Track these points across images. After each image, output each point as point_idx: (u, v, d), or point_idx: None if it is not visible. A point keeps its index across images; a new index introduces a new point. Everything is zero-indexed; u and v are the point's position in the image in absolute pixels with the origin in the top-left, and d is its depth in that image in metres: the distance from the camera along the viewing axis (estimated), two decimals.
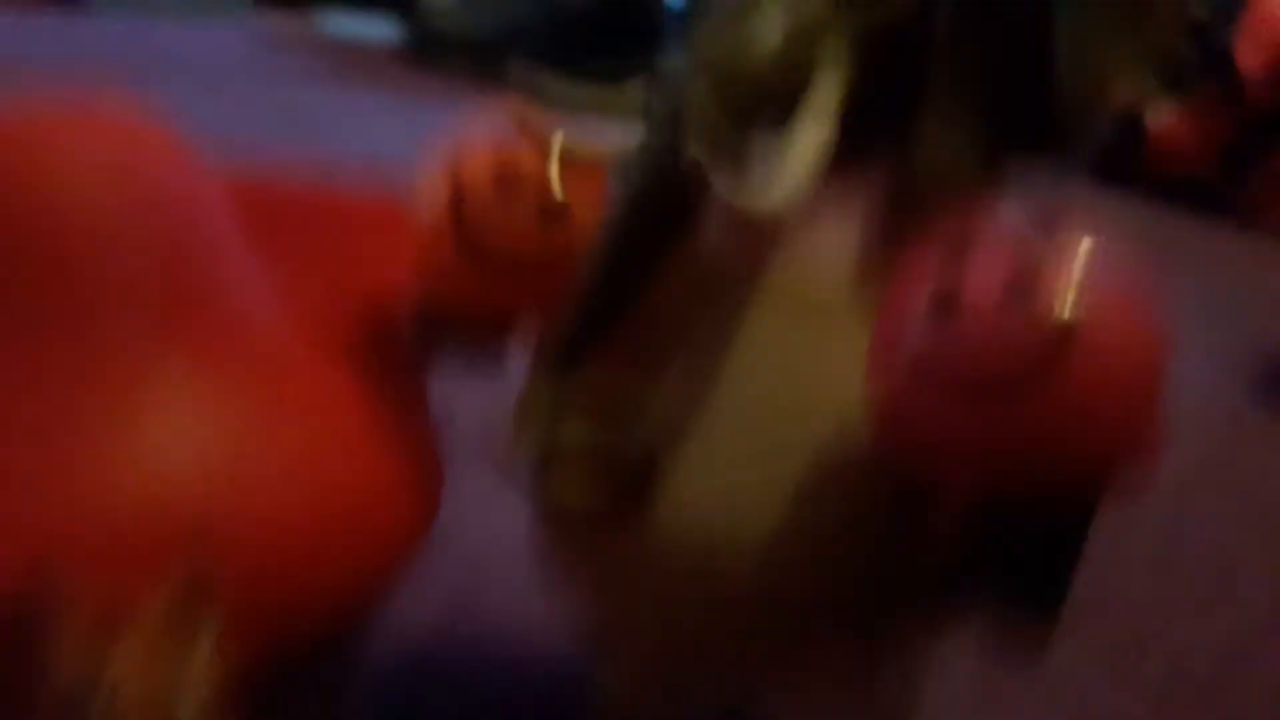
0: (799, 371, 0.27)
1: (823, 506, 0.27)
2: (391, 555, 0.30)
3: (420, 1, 1.43)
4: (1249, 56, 1.16)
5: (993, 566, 0.25)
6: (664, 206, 0.27)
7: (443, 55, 1.38)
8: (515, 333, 0.31)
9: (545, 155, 0.29)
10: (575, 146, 0.29)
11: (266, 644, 0.27)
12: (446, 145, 0.30)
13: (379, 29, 1.60)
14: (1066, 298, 0.22)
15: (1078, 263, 0.23)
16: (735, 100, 0.26)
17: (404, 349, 0.33)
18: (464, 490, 0.49)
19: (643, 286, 0.28)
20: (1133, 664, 0.46)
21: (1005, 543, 0.25)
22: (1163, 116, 1.19)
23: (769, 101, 0.26)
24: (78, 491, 0.26)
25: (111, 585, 0.24)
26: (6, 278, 0.27)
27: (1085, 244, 0.24)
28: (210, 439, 0.27)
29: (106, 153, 0.28)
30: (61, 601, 0.24)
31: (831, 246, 0.28)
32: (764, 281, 0.28)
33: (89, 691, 0.23)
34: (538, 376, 0.28)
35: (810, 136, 0.27)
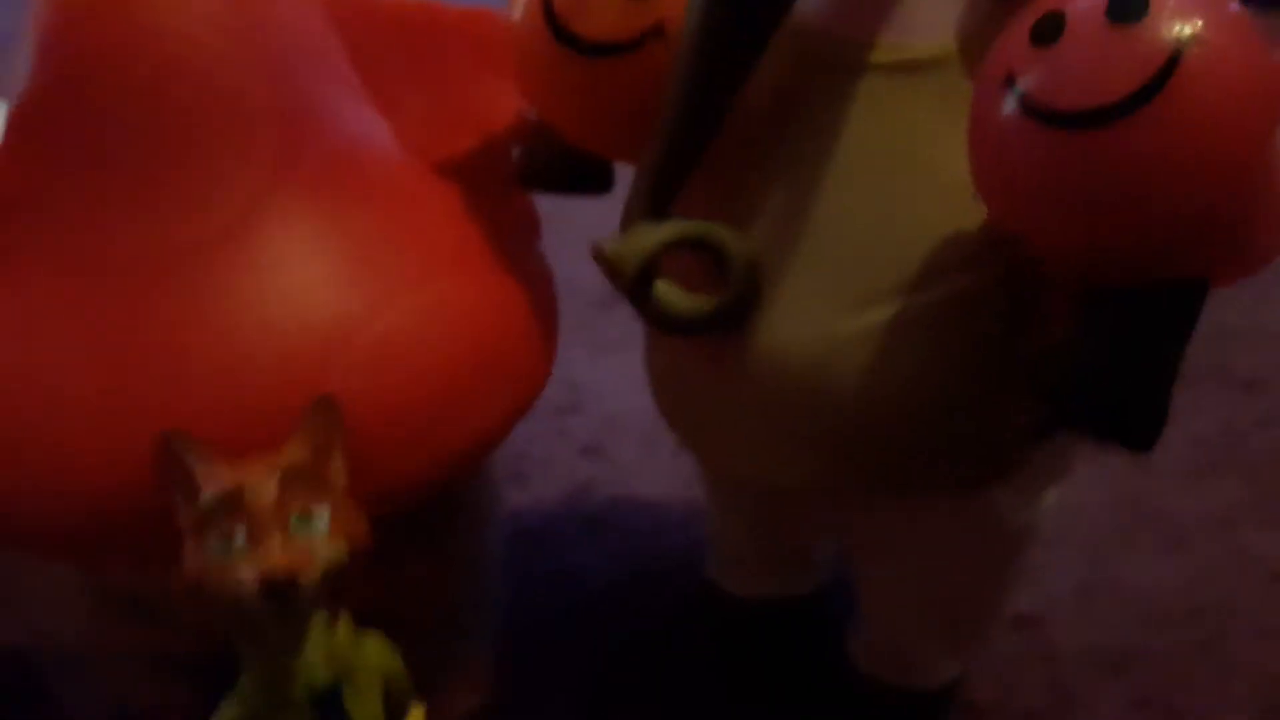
0: (910, 139, 0.25)
1: (936, 298, 0.25)
2: (516, 392, 0.29)
3: None
4: None
5: (1091, 387, 0.23)
6: None
7: None
8: (619, 145, 0.29)
9: None
10: None
11: (390, 489, 0.26)
12: None
13: None
14: (1175, 20, 0.20)
15: None
16: None
17: (510, 171, 0.31)
18: (593, 342, 0.48)
19: (741, 70, 0.25)
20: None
21: (1107, 349, 0.23)
22: None
23: None
24: (200, 340, 0.24)
25: (242, 432, 0.24)
26: (106, 119, 0.25)
27: None
28: (330, 279, 0.26)
29: None
30: (194, 445, 0.23)
31: (940, 5, 0.26)
32: (863, 53, 0.26)
33: (228, 521, 0.23)
34: (638, 186, 0.26)
35: None
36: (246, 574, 0.22)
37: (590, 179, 0.31)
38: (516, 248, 0.30)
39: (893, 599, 0.30)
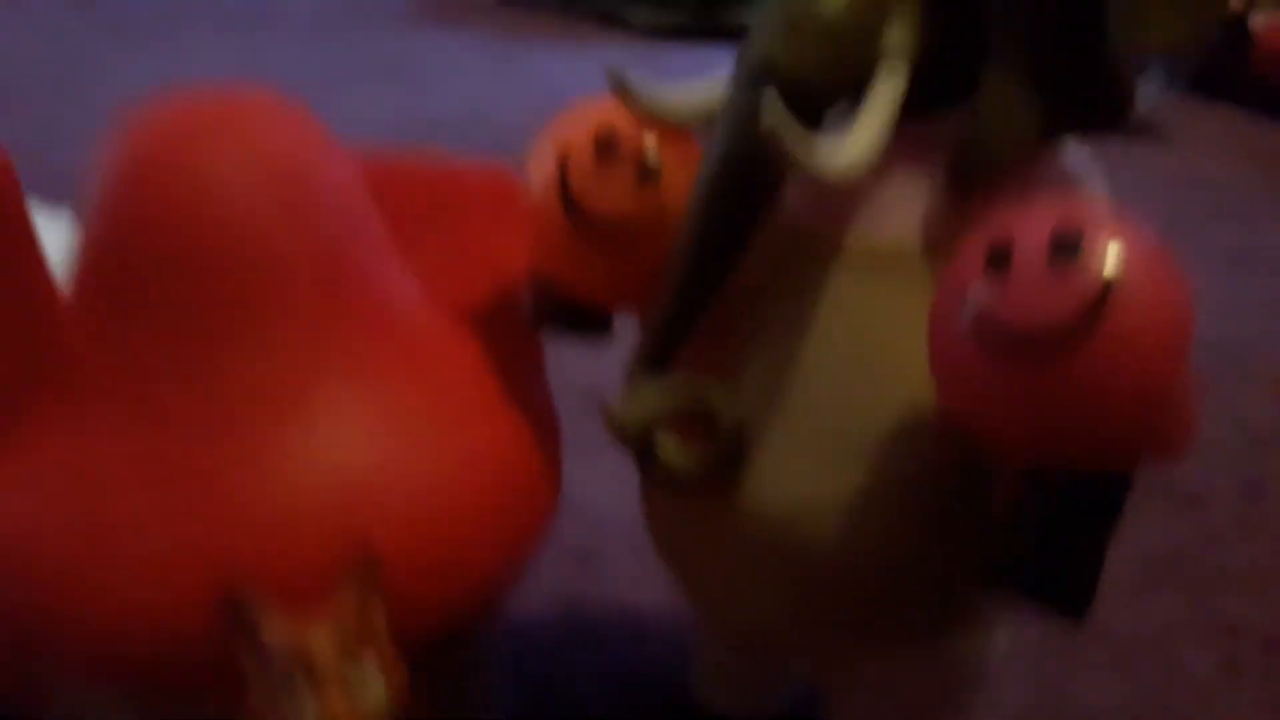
0: (875, 328, 0.29)
1: (900, 471, 0.28)
2: (534, 525, 0.31)
3: None
4: None
5: (1028, 561, 0.26)
6: (751, 171, 0.27)
7: None
8: (622, 300, 0.32)
9: (640, 121, 0.30)
10: (669, 109, 0.30)
11: (426, 623, 0.29)
12: (552, 118, 0.31)
13: None
14: (1105, 261, 0.24)
15: (1117, 221, 0.24)
16: (810, 59, 0.27)
17: (523, 316, 0.34)
18: (584, 451, 0.50)
19: (735, 252, 0.28)
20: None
21: (1044, 525, 0.26)
22: (1268, 19, 1.15)
23: (843, 60, 0.27)
24: (257, 494, 0.27)
25: (295, 581, 0.27)
26: (169, 278, 0.28)
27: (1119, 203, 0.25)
28: (371, 432, 0.28)
29: (259, 148, 0.29)
30: (257, 598, 0.26)
31: (903, 200, 0.29)
32: (839, 240, 0.29)
33: (292, 671, 0.26)
34: (641, 348, 0.30)
35: (883, 97, 0.27)
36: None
37: (592, 324, 0.34)
38: (529, 385, 0.34)
39: None
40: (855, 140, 0.27)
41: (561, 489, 0.33)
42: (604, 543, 0.48)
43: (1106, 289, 0.23)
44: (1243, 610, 0.46)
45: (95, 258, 0.29)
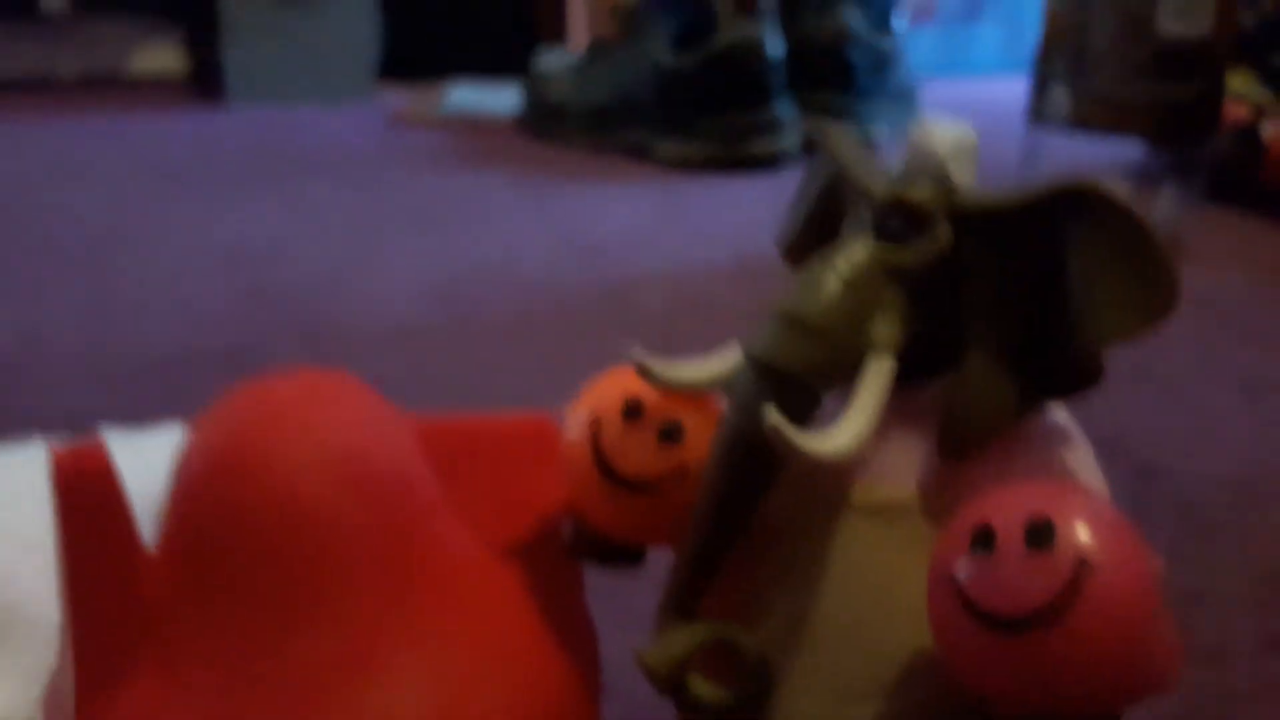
0: (882, 574, 0.32)
1: (906, 706, 0.31)
2: None
3: (535, 71, 1.49)
4: None
5: None
6: (758, 444, 0.31)
7: (560, 124, 1.44)
8: (650, 541, 0.36)
9: (661, 390, 0.34)
10: (684, 382, 0.33)
11: None
12: (587, 384, 0.35)
13: (502, 99, 1.67)
14: (1077, 547, 0.27)
15: (1084, 501, 0.28)
16: (802, 355, 0.31)
17: (563, 547, 0.37)
18: (617, 626, 0.53)
19: (750, 510, 0.32)
20: None
21: None
22: (1279, 127, 1.18)
23: (833, 355, 0.31)
24: None
25: None
26: (245, 558, 0.32)
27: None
28: (430, 690, 0.32)
29: (322, 432, 0.33)
30: None
31: (900, 458, 0.32)
32: (845, 493, 0.32)
33: None
34: (669, 593, 0.33)
35: (872, 387, 0.31)
36: None
37: (624, 558, 0.37)
38: (570, 609, 0.37)
39: None
40: (847, 429, 0.30)
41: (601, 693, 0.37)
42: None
43: (1079, 570, 0.26)
44: None
45: (179, 531, 0.33)
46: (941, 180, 0.31)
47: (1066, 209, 0.30)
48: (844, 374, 0.31)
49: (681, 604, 0.33)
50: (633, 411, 0.34)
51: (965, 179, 0.32)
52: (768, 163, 1.29)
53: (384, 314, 0.93)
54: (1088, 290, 0.30)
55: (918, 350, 0.32)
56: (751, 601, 0.33)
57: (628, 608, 0.55)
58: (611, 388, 0.35)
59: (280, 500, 0.32)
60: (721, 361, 0.33)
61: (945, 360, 0.32)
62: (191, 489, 0.33)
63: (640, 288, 0.98)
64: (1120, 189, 0.30)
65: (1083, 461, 0.32)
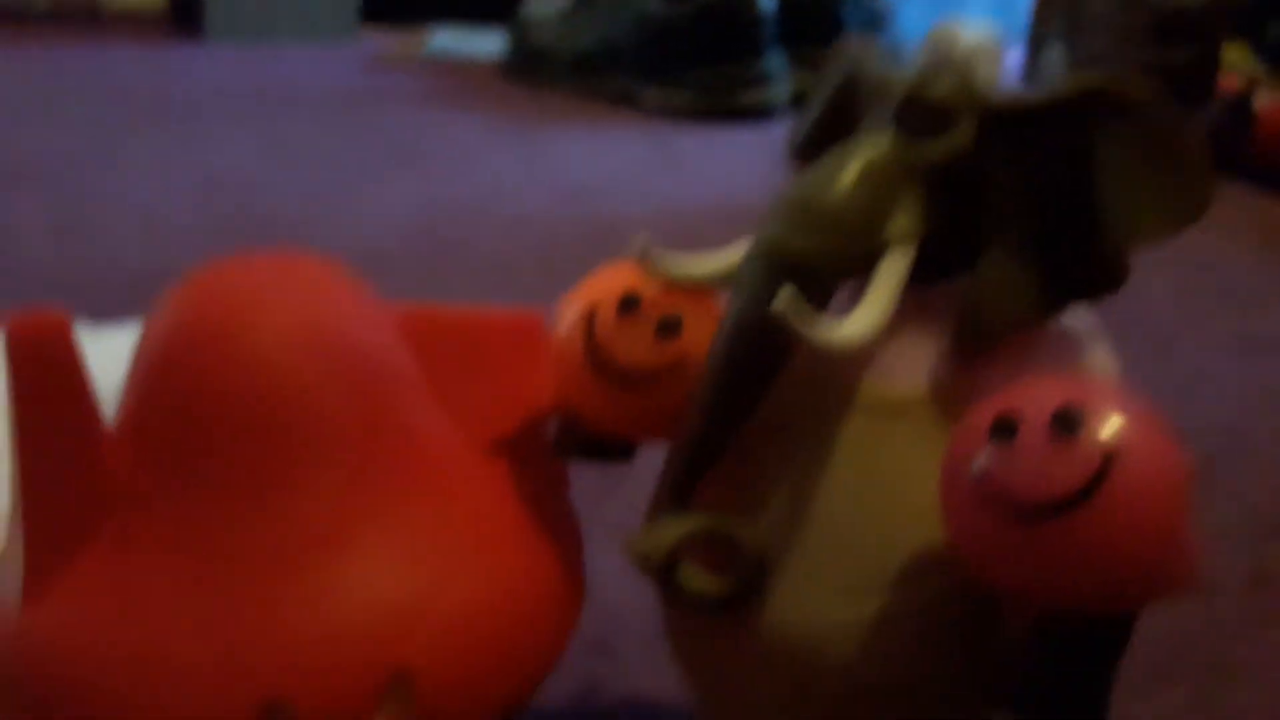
0: (887, 470, 0.30)
1: (912, 601, 0.30)
2: (559, 637, 0.34)
3: (520, 17, 1.47)
4: None
5: (1036, 693, 0.28)
6: (763, 336, 0.29)
7: (543, 70, 1.41)
8: (642, 436, 0.34)
9: (661, 280, 0.32)
10: (686, 275, 0.32)
11: None
12: (582, 278, 0.33)
13: (486, 44, 1.65)
14: (1105, 432, 0.25)
15: (1115, 393, 0.26)
16: (816, 243, 0.29)
17: (548, 449, 0.36)
18: (599, 540, 0.52)
19: (751, 402, 0.30)
20: None
21: (1052, 659, 0.28)
22: (1271, 99, 1.18)
23: (848, 244, 0.29)
24: (299, 622, 0.29)
25: (335, 703, 0.29)
26: (218, 432, 0.30)
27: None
28: (406, 565, 0.31)
29: (303, 312, 0.31)
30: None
31: (910, 356, 0.31)
32: (852, 389, 0.31)
33: None
34: (664, 484, 0.31)
35: (888, 279, 0.29)
36: None
37: (613, 454, 0.36)
38: (554, 507, 0.36)
39: None
40: (859, 319, 0.29)
41: (584, 594, 0.35)
42: (619, 633, 0.49)
43: (1107, 461, 0.25)
44: (1252, 701, 0.46)
45: (144, 406, 0.31)
46: (964, 77, 0.30)
47: (1095, 108, 0.29)
48: (856, 266, 0.29)
49: (676, 494, 0.31)
50: (630, 304, 0.32)
51: (988, 79, 0.30)
52: (756, 114, 1.28)
53: (363, 246, 0.91)
54: (1115, 191, 0.28)
55: (934, 249, 0.30)
56: (748, 495, 0.32)
57: (603, 522, 0.54)
58: (608, 281, 0.33)
59: (252, 372, 0.30)
60: (726, 256, 0.32)
61: (962, 261, 0.30)
62: (157, 361, 0.31)
63: (626, 229, 0.96)
64: (1152, 86, 0.28)
65: (1104, 365, 0.31)
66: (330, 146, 1.19)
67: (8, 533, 0.32)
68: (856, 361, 0.31)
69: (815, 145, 0.34)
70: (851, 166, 0.29)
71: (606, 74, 1.35)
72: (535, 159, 1.16)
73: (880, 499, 0.30)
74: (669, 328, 0.32)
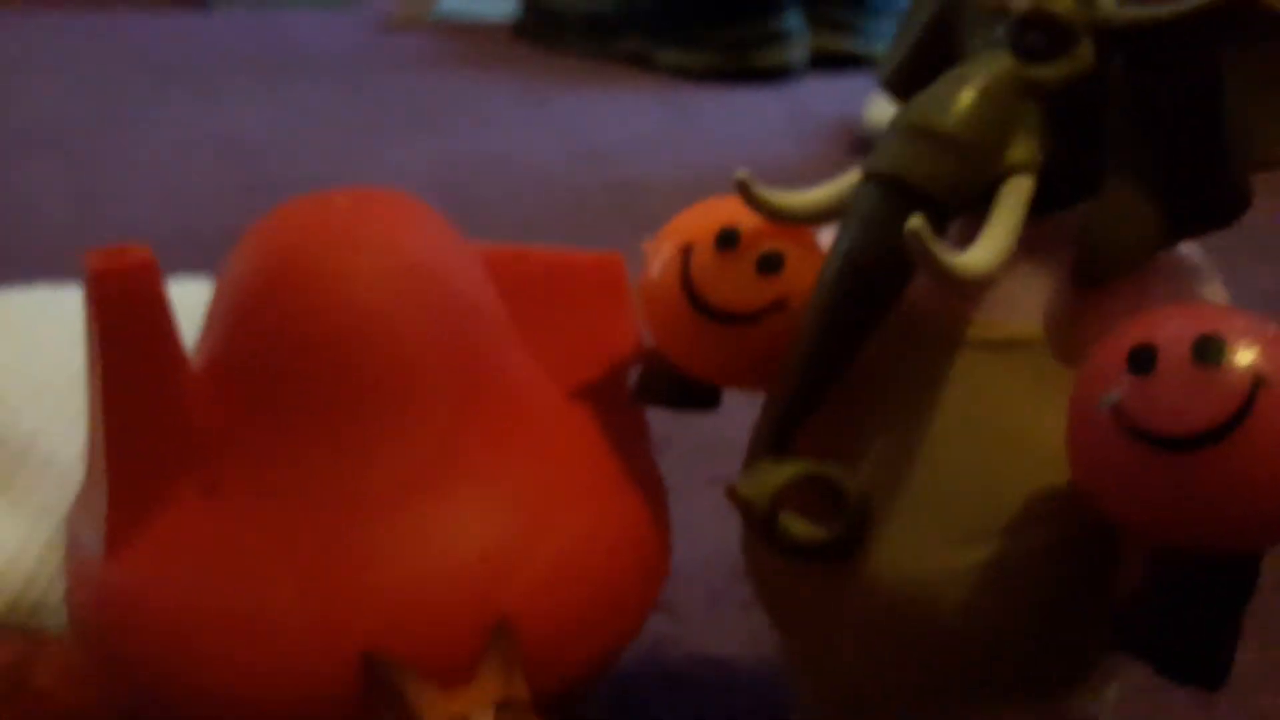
0: (999, 410, 0.29)
1: (1025, 545, 0.29)
2: (652, 586, 0.33)
3: None
4: None
5: (1160, 635, 0.27)
6: (876, 270, 0.28)
7: (557, 31, 1.40)
8: (734, 380, 0.33)
9: (763, 214, 0.31)
10: (790, 210, 0.31)
11: (558, 687, 0.30)
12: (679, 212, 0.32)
13: (496, 4, 1.62)
14: (1249, 363, 0.24)
15: (1254, 320, 0.25)
16: (933, 170, 0.28)
17: (629, 393, 0.35)
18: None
19: (859, 343, 0.29)
20: None
21: (1176, 599, 0.27)
22: None
23: (967, 171, 0.28)
24: (397, 567, 0.28)
25: (437, 652, 0.28)
26: (310, 371, 0.29)
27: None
28: (505, 509, 0.30)
29: (393, 247, 0.30)
30: (403, 667, 0.27)
31: (1026, 291, 0.30)
32: (963, 326, 0.30)
33: None
34: (764, 429, 0.30)
35: (1011, 207, 0.28)
36: None
37: (699, 400, 0.34)
38: (639, 457, 0.35)
39: None
40: (986, 248, 0.27)
41: (671, 547, 0.34)
42: (683, 594, 0.49)
43: (1254, 389, 0.24)
44: None
45: (229, 348, 0.30)
46: None
47: (1224, 24, 0.27)
48: (976, 193, 0.28)
49: (777, 439, 0.30)
50: (728, 239, 0.31)
51: None
52: (774, 75, 1.26)
53: None
54: (1244, 111, 0.27)
55: (1053, 176, 0.29)
56: (851, 441, 0.31)
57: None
58: (702, 217, 0.32)
59: (346, 312, 0.29)
60: (833, 187, 0.31)
61: (1080, 189, 0.29)
62: (243, 301, 0.30)
63: (647, 191, 0.95)
64: None
65: (1220, 297, 0.30)
66: (343, 110, 1.17)
67: (85, 482, 0.31)
68: (965, 298, 0.30)
69: (909, 74, 0.33)
70: (970, 90, 0.28)
71: (622, 34, 1.33)
72: (551, 122, 1.15)
73: (992, 441, 0.29)
74: (770, 264, 0.31)
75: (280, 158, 1.00)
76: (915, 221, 0.26)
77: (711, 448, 0.56)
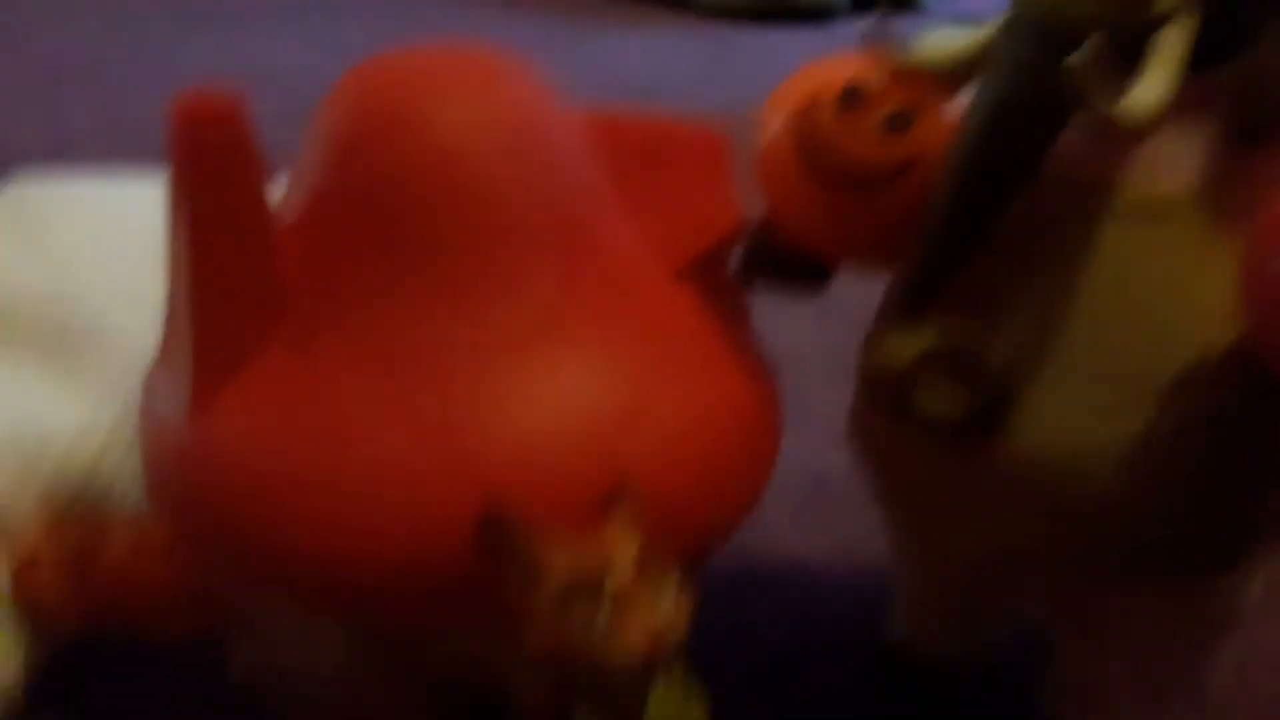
0: (1152, 277, 0.28)
1: (1179, 416, 0.27)
2: (768, 458, 0.31)
3: None
4: None
5: None
6: (1027, 119, 0.26)
7: None
8: (855, 251, 0.31)
9: (889, 70, 0.29)
10: (924, 60, 0.28)
11: (680, 552, 0.28)
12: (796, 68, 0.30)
13: None
14: None
15: None
16: (1090, 9, 0.26)
17: (731, 271, 0.33)
18: None
19: (1008, 200, 0.27)
20: None
21: None
22: None
23: (1129, 8, 0.26)
24: (512, 419, 0.26)
25: (557, 504, 0.26)
26: (410, 214, 0.27)
27: None
28: (621, 367, 0.28)
29: (489, 98, 0.28)
30: (523, 520, 0.25)
31: (1178, 152, 0.28)
32: (1112, 190, 0.28)
33: (579, 594, 0.24)
34: (899, 295, 0.28)
35: (1173, 47, 0.26)
36: (633, 643, 0.24)
37: (808, 276, 0.32)
38: (745, 333, 0.33)
39: (1097, 668, 0.32)
40: (1151, 88, 0.25)
41: (783, 427, 0.32)
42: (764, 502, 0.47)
43: None
44: None
45: (319, 199, 0.28)
46: None
47: None
48: (1132, 37, 0.26)
49: (914, 305, 0.28)
50: (853, 96, 0.29)
51: None
52: (816, 15, 1.23)
53: None
54: None
55: (1206, 29, 0.27)
56: (992, 310, 0.29)
57: None
58: (824, 74, 0.30)
59: (444, 163, 0.27)
60: (971, 36, 0.28)
61: (1236, 42, 0.27)
62: (335, 152, 0.28)
63: None
64: None
65: None
66: (376, 45, 1.15)
67: (164, 344, 0.29)
68: (1117, 162, 0.28)
69: None
70: None
71: None
72: (588, 60, 1.13)
73: (1144, 310, 0.27)
74: (900, 122, 0.28)
75: (315, 90, 0.99)
76: (1078, 59, 0.24)
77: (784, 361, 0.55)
